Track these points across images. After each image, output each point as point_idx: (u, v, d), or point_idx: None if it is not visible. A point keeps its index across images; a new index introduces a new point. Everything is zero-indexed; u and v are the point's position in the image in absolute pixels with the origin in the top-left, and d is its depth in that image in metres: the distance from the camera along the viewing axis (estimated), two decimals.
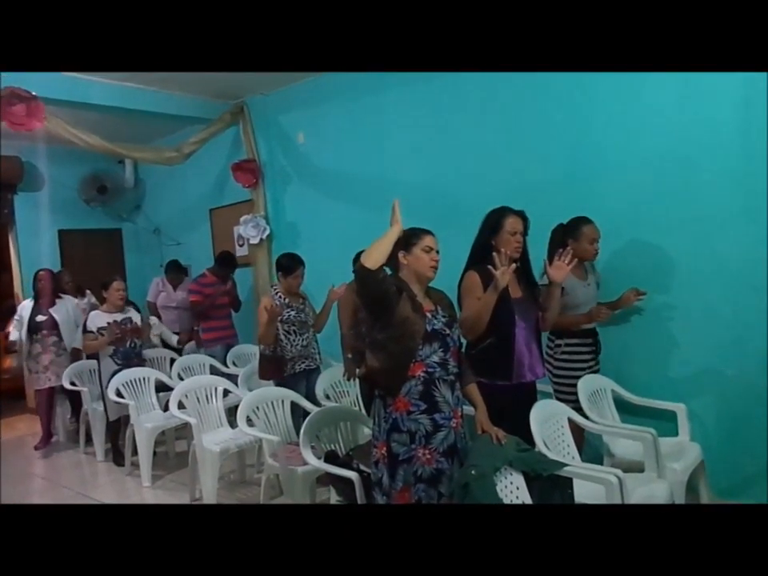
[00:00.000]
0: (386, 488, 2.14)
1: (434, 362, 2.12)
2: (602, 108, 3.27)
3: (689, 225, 3.00)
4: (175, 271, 5.35)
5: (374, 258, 2.00)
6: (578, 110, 3.35)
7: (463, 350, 2.38)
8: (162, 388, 4.27)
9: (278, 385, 3.65)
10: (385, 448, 2.13)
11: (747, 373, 2.88)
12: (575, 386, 2.85)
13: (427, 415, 2.11)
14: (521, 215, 2.53)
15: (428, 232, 2.23)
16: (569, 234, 2.93)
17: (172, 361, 4.74)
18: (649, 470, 2.58)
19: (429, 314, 2.16)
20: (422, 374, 2.10)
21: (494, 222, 2.53)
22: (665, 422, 2.98)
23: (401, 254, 2.20)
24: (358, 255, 3.82)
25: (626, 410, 3.15)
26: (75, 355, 4.84)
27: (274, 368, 3.55)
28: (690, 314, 3.04)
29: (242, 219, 5.20)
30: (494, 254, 2.32)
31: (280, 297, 3.60)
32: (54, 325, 4.78)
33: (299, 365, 3.58)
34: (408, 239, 2.19)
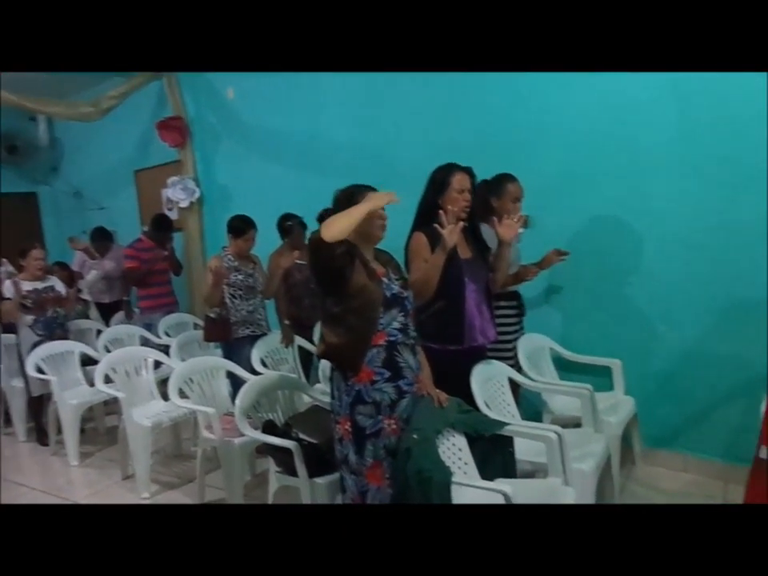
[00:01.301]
0: (354, 465, 2.03)
1: (395, 328, 2.02)
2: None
3: (623, 183, 3.02)
4: (101, 239, 5.01)
5: (334, 232, 1.83)
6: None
7: None
8: (88, 362, 4.04)
9: (223, 349, 3.59)
10: (349, 423, 2.02)
11: (678, 328, 2.96)
12: (503, 350, 2.80)
13: (392, 383, 2.01)
14: (468, 172, 2.40)
15: (370, 189, 2.08)
16: (492, 192, 2.79)
17: (99, 332, 4.50)
18: (586, 425, 2.63)
19: (384, 279, 2.05)
20: (384, 342, 2.00)
21: (440, 179, 2.40)
22: (600, 378, 3.05)
23: None
24: (284, 218, 3.75)
25: (563, 367, 3.20)
26: None
27: (218, 331, 3.49)
28: (627, 271, 3.08)
29: (169, 181, 4.95)
30: (441, 212, 2.22)
31: (229, 259, 3.50)
32: None
33: (243, 330, 3.51)
34: (351, 199, 2.02)
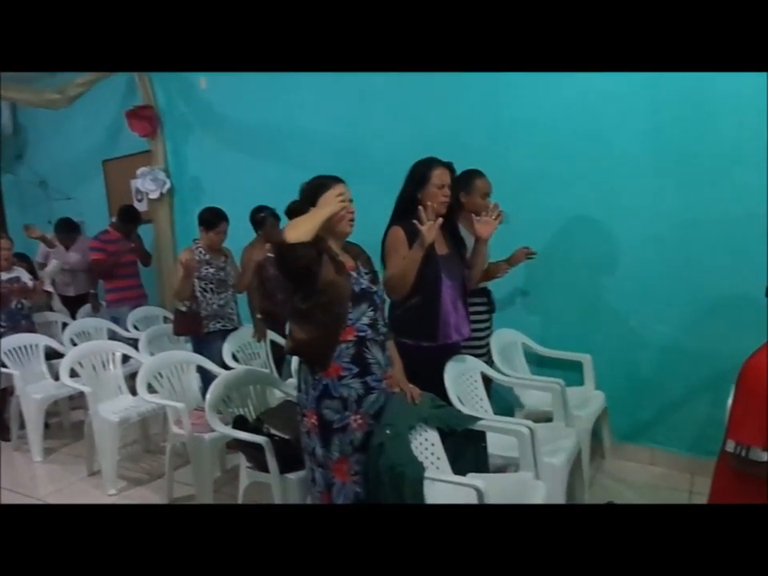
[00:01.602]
0: (321, 459, 2.01)
1: (365, 323, 2.00)
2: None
3: (594, 180, 3.05)
4: (66, 230, 4.87)
5: (297, 235, 1.82)
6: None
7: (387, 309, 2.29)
8: (53, 355, 3.93)
9: (193, 343, 3.54)
10: (315, 416, 2.00)
11: (647, 322, 3.00)
12: (473, 347, 2.78)
13: (359, 379, 1.99)
14: (449, 167, 2.38)
15: (337, 180, 2.04)
16: (461, 187, 2.75)
17: (65, 325, 4.38)
18: (557, 420, 2.65)
19: (353, 273, 2.02)
20: (353, 338, 1.98)
21: (420, 174, 2.36)
22: (572, 373, 3.08)
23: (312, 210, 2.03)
24: (257, 210, 3.69)
25: (535, 362, 3.23)
26: None
27: (188, 324, 3.45)
28: (598, 267, 3.11)
29: (139, 172, 4.83)
30: (420, 208, 2.18)
31: (200, 252, 3.45)
32: None
33: (214, 324, 3.47)
34: (316, 192, 1.99)
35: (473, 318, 2.77)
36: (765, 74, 2.54)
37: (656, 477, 2.96)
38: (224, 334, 3.47)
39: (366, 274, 2.07)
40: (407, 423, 2.06)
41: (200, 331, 3.43)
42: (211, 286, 3.45)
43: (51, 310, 4.82)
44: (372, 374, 2.02)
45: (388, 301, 2.32)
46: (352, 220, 2.03)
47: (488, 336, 2.92)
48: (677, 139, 2.81)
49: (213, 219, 3.44)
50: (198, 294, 3.42)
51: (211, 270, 3.45)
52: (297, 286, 1.99)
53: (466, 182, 2.76)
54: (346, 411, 1.98)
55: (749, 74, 2.57)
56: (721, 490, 1.77)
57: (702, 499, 1.84)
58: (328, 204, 1.93)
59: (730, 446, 1.60)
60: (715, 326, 2.80)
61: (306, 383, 2.02)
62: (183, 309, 3.46)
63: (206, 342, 3.43)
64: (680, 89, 2.77)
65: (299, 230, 1.84)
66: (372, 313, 2.02)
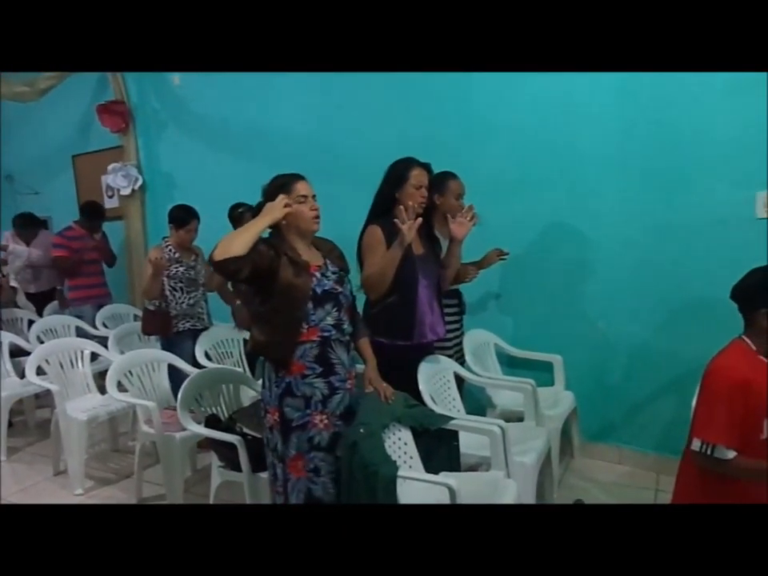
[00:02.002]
0: (281, 455, 2.03)
1: (329, 324, 2.00)
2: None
3: (565, 183, 3.10)
4: (26, 225, 4.73)
5: (228, 250, 1.79)
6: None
7: (360, 308, 2.29)
8: (17, 353, 3.84)
9: (162, 343, 3.49)
10: (277, 413, 2.01)
11: (617, 324, 3.06)
12: (444, 348, 2.80)
13: (323, 378, 2.00)
14: (427, 168, 2.40)
15: (298, 178, 2.02)
16: (435, 189, 2.75)
17: (31, 322, 4.28)
18: (528, 419, 2.69)
19: (317, 273, 2.01)
20: (317, 338, 1.99)
21: (398, 173, 2.37)
22: (542, 373, 3.13)
23: None
24: (235, 207, 3.66)
25: (506, 362, 3.27)
26: None
27: (157, 324, 3.39)
28: (568, 270, 3.17)
29: (110, 168, 4.75)
30: (400, 207, 2.19)
31: (170, 250, 3.40)
32: None
33: (184, 324, 3.43)
34: (279, 190, 1.98)
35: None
36: (732, 80, 2.61)
37: (623, 475, 3.02)
38: (194, 333, 3.43)
39: (334, 273, 2.06)
40: (381, 422, 2.07)
41: (169, 331, 3.39)
42: (181, 284, 3.41)
43: (17, 306, 4.71)
44: (336, 374, 2.03)
45: (362, 299, 2.34)
46: (317, 217, 2.02)
47: (458, 337, 2.94)
48: (648, 145, 2.87)
49: (183, 217, 3.39)
50: (168, 293, 3.38)
51: (181, 269, 3.41)
52: (254, 290, 2.00)
53: (440, 183, 2.78)
54: (308, 409, 2.00)
55: (719, 81, 2.65)
56: (685, 488, 1.82)
57: (666, 497, 1.89)
58: (270, 212, 1.91)
59: (696, 445, 1.65)
60: (681, 329, 2.87)
61: (270, 381, 2.04)
62: (152, 308, 3.40)
63: (176, 341, 3.39)
64: (650, 96, 2.83)
65: (230, 246, 1.80)
66: (337, 313, 2.03)
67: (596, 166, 3.01)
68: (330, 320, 2.01)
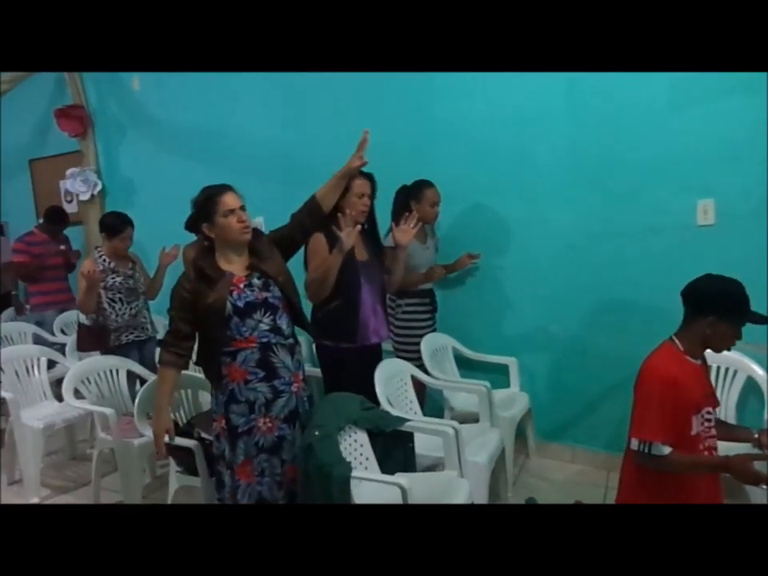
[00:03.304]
0: (229, 461, 2.07)
1: (265, 330, 2.03)
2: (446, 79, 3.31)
3: (521, 192, 3.19)
4: None
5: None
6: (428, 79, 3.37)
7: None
8: None
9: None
10: (224, 420, 2.05)
11: (569, 327, 3.16)
12: (416, 344, 2.96)
13: (266, 383, 2.04)
14: (369, 178, 2.49)
15: (224, 190, 2.04)
16: (412, 197, 2.98)
17: None
18: (483, 420, 2.77)
19: (240, 285, 2.02)
20: (256, 344, 2.02)
21: None
22: (498, 375, 3.21)
23: (205, 227, 2.04)
24: (190, 217, 3.61)
25: (464, 365, 3.34)
26: None
27: (93, 339, 3.21)
28: (522, 274, 3.26)
29: (68, 172, 4.69)
30: (339, 215, 2.29)
31: (104, 260, 3.22)
32: None
33: (126, 335, 3.25)
34: (205, 207, 2.02)
35: (414, 317, 3.03)
36: (677, 90, 2.73)
37: (576, 474, 3.12)
38: (138, 344, 3.29)
39: (259, 279, 2.07)
40: (336, 425, 2.11)
41: (106, 346, 3.19)
42: (120, 295, 3.22)
43: None
44: (280, 377, 2.06)
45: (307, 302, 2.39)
46: (245, 227, 2.02)
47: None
48: (596, 154, 2.97)
49: (117, 225, 3.20)
50: (107, 306, 3.18)
51: (118, 279, 3.22)
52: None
53: (416, 191, 2.99)
54: (252, 415, 2.03)
55: (665, 91, 2.76)
56: (627, 485, 1.91)
57: (615, 494, 1.97)
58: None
59: (634, 444, 1.73)
60: (627, 330, 2.97)
61: (217, 388, 2.08)
62: (88, 323, 3.22)
63: (121, 354, 3.20)
64: (599, 105, 2.93)
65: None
66: (271, 318, 2.05)
67: (547, 174, 3.11)
68: (264, 326, 2.04)
